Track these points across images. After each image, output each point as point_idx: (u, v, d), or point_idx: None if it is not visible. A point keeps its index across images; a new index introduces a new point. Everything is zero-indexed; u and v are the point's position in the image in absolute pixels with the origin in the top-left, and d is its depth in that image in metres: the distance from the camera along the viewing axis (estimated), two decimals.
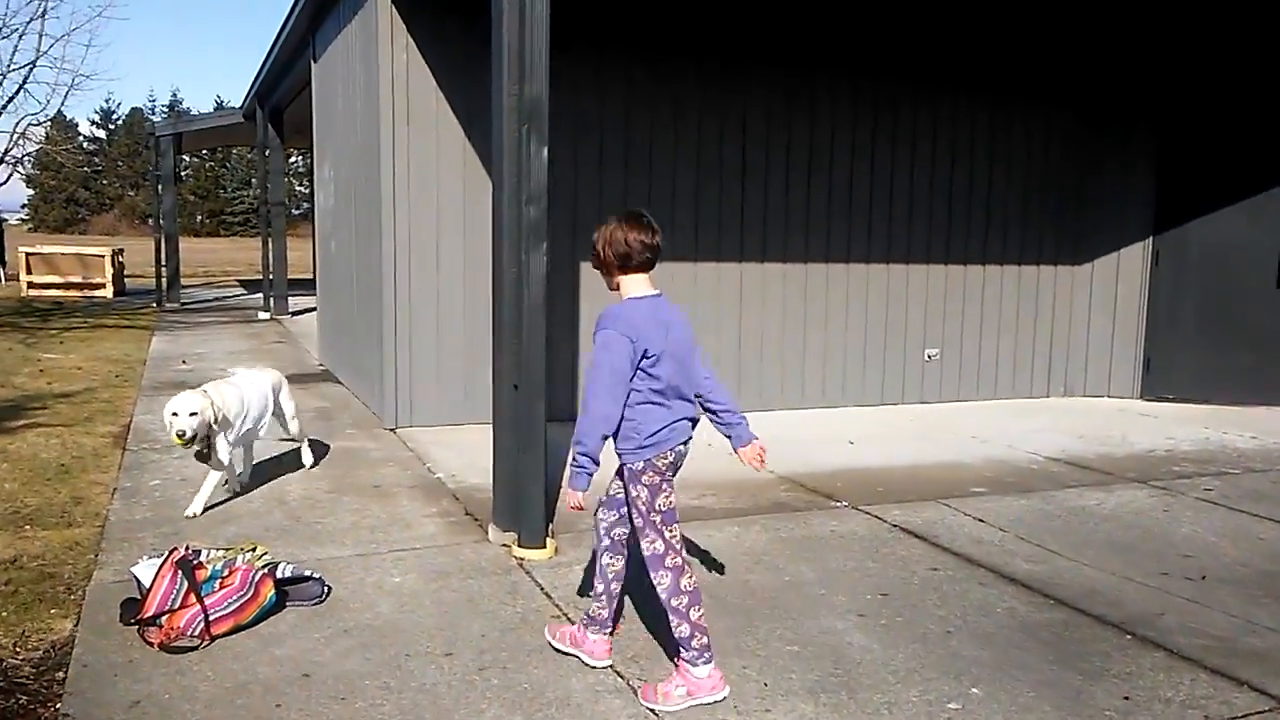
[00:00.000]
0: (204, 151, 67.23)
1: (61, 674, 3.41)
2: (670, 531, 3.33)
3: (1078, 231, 9.41)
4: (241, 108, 17.03)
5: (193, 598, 3.67)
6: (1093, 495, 6.01)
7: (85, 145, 72.07)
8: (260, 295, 18.02)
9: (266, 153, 16.53)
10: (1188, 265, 9.06)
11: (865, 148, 8.64)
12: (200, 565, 3.80)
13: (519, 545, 4.73)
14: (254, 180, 69.05)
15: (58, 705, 3.19)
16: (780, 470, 6.43)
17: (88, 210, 75.63)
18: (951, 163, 8.94)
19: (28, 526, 5.04)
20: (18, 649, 3.60)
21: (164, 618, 3.64)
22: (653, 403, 3.28)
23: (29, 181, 70.16)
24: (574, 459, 3.24)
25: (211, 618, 3.65)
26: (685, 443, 3.39)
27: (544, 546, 4.71)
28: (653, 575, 3.33)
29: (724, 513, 5.48)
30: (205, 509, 5.26)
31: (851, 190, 8.65)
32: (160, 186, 18.53)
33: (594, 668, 3.51)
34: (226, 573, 3.77)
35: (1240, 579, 4.59)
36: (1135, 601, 4.28)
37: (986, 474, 6.49)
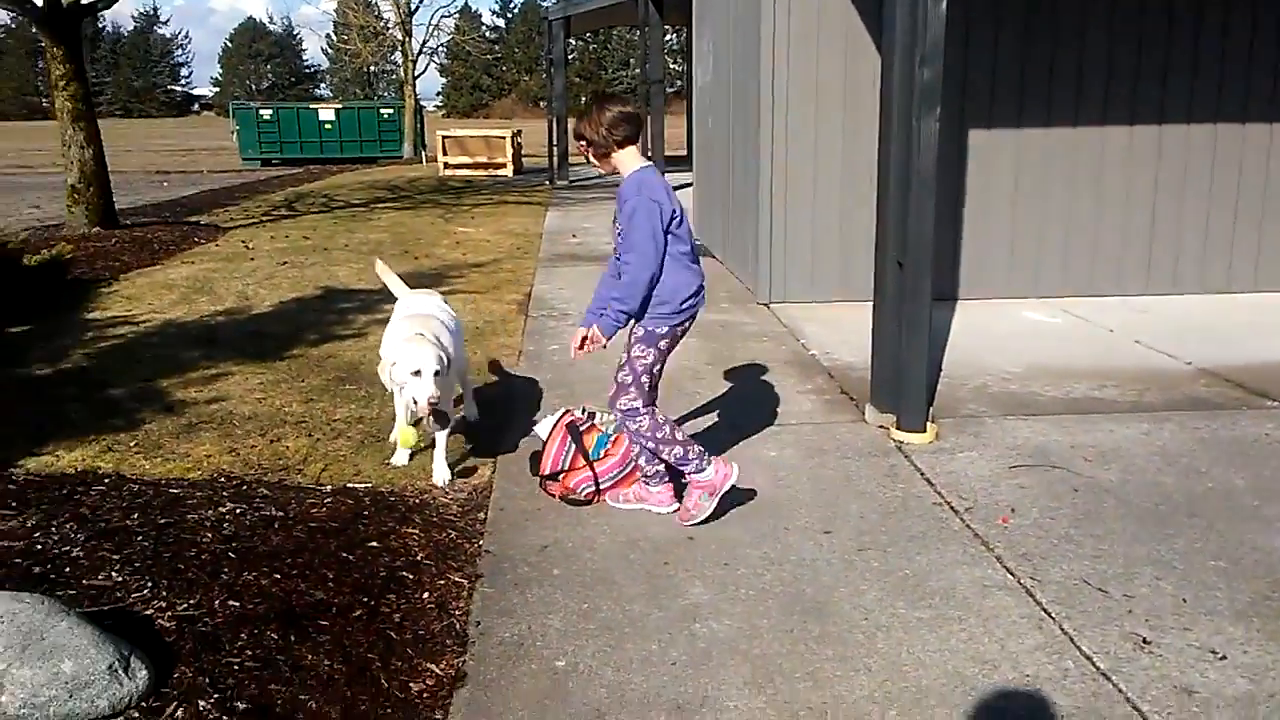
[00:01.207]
0: (588, 35, 70.48)
1: (482, 515, 3.82)
2: (650, 391, 3.62)
3: None
4: None
5: (582, 460, 3.93)
6: None
7: (487, 34, 78.52)
8: None
9: (646, 30, 16.90)
10: None
11: None
12: (591, 428, 4.05)
13: (897, 428, 4.57)
14: (633, 60, 71.78)
15: (480, 542, 3.58)
16: (1199, 362, 5.67)
17: (489, 95, 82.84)
18: None
19: None
20: (447, 489, 4.08)
21: (560, 475, 3.94)
22: (684, 266, 3.49)
23: (442, 70, 78.07)
24: (614, 314, 3.44)
25: (601, 485, 3.89)
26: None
27: (924, 431, 4.52)
28: (630, 424, 3.60)
29: (1129, 406, 4.94)
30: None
31: None
32: (551, 69, 19.67)
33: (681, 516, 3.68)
34: (614, 438, 3.99)
35: None
36: None
37: None
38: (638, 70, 19.29)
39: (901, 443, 4.50)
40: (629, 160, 3.53)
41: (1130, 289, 7.51)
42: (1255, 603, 3.04)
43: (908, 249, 4.40)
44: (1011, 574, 3.26)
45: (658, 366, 3.63)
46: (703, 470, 3.60)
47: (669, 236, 3.44)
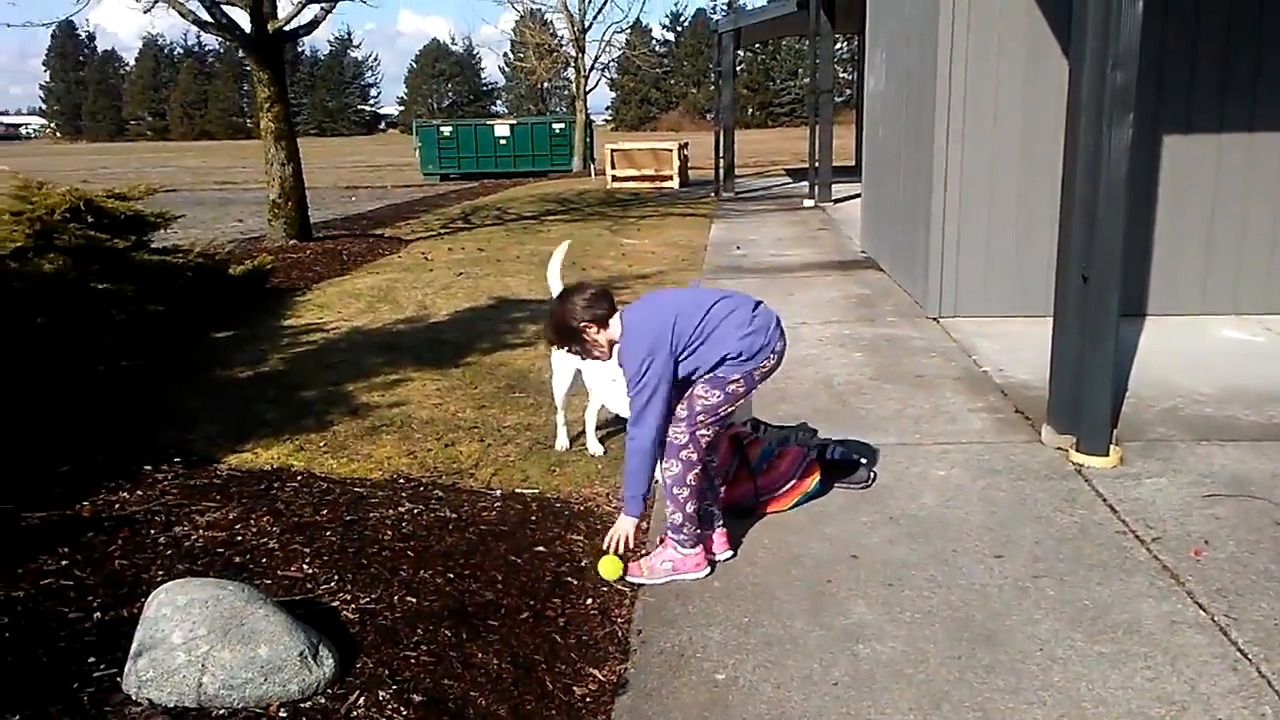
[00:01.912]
0: (756, 46, 70.46)
1: (645, 525, 3.86)
2: (703, 432, 3.34)
3: None
4: None
5: (745, 473, 3.93)
6: None
7: (657, 48, 79.61)
8: (805, 183, 18.59)
9: (817, 40, 16.75)
10: None
11: None
12: (755, 440, 4.04)
13: (1077, 450, 4.35)
14: (801, 70, 71.24)
15: (641, 551, 3.63)
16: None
17: (657, 108, 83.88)
18: None
19: None
20: (610, 497, 4.15)
21: (723, 487, 3.94)
22: (736, 328, 3.29)
23: (612, 85, 79.66)
24: (628, 506, 3.37)
25: (761, 497, 3.87)
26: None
27: (1107, 454, 4.29)
28: (665, 460, 3.38)
29: None
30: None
31: None
32: (720, 82, 19.75)
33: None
34: (779, 452, 3.97)
35: None
36: None
37: None
38: (806, 80, 19.13)
39: (1081, 465, 4.28)
40: (614, 327, 3.32)
41: None
42: None
43: (1093, 261, 4.19)
44: (1204, 610, 3.05)
45: (725, 409, 3.35)
46: (683, 545, 3.41)
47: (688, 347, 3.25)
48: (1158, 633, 2.93)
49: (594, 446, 4.70)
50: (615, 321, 3.33)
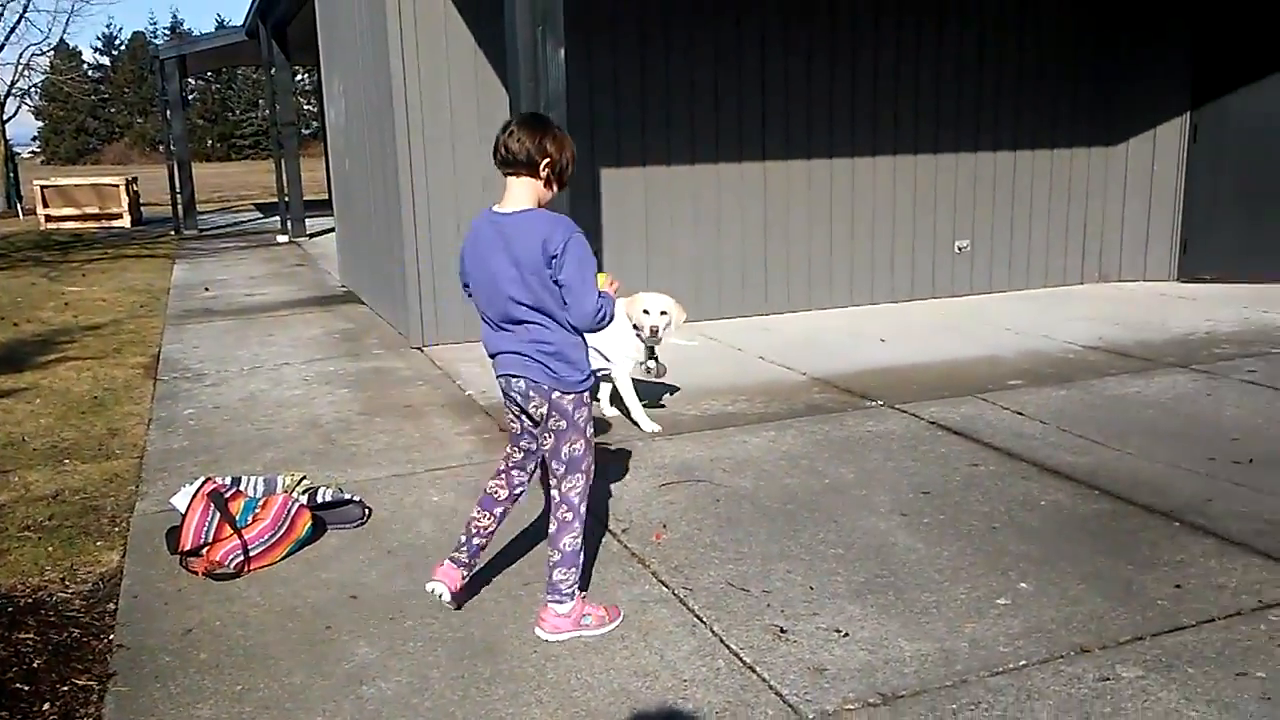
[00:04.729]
0: (209, 74, 66.29)
1: (112, 605, 3.44)
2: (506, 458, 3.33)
3: (1110, 111, 9.07)
4: (244, 25, 16.64)
5: (228, 529, 3.67)
6: (1134, 383, 5.90)
7: (90, 73, 71.24)
8: (276, 218, 17.91)
9: (273, 71, 16.21)
10: (1227, 139, 8.74)
11: (890, 37, 8.31)
12: (236, 495, 3.80)
13: None
14: (261, 101, 68.35)
15: (110, 637, 3.22)
16: (812, 372, 6.35)
17: (98, 140, 75.19)
18: (979, 47, 8.59)
19: (66, 460, 5.07)
20: (67, 583, 3.64)
21: (204, 550, 3.65)
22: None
23: (38, 113, 69.71)
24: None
25: (252, 553, 3.65)
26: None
27: None
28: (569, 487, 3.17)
29: (757, 417, 5.43)
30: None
31: (876, 81, 8.35)
32: (169, 112, 18.26)
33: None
34: (263, 502, 3.77)
35: None
36: (1182, 489, 4.22)
37: (1023, 366, 6.39)
38: (267, 111, 18.43)
39: None
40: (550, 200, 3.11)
41: (751, 310, 8.28)
42: (869, 582, 3.46)
43: None
44: (666, 586, 3.47)
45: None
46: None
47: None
48: (632, 614, 3.27)
49: None
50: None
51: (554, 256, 2.92)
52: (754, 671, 2.89)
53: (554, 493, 3.18)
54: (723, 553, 3.72)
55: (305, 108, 51.92)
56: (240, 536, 3.66)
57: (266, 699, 2.83)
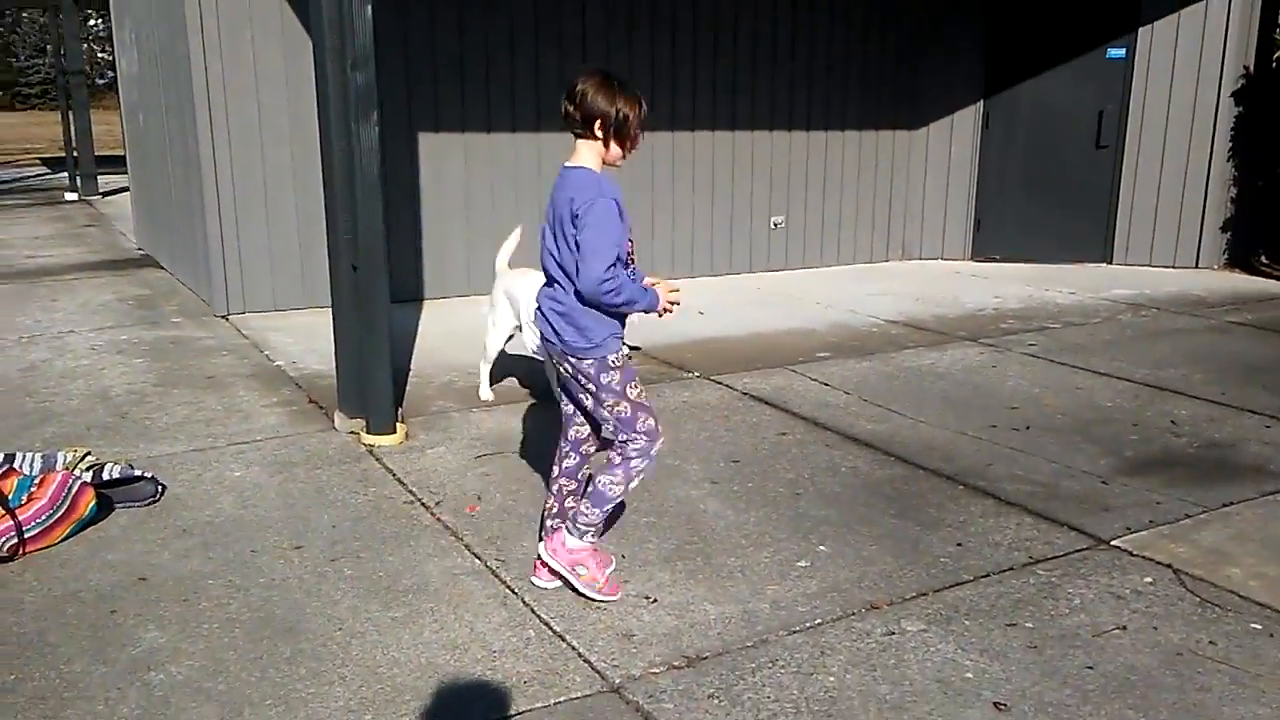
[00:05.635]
0: None
1: None
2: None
3: (914, 97, 9.55)
4: None
5: (2, 510, 3.40)
6: (928, 355, 6.28)
7: None
8: (65, 174, 16.57)
9: (59, 15, 14.91)
10: (1016, 126, 9.37)
11: (709, 9, 8.44)
12: (9, 473, 3.51)
13: (367, 432, 4.58)
14: (49, 48, 62.76)
15: None
16: (630, 343, 6.42)
17: None
18: (793, 27, 8.84)
19: None
20: None
21: None
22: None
23: None
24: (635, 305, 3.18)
25: (26, 534, 3.38)
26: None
27: (394, 432, 4.58)
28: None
29: None
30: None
31: (696, 54, 8.47)
32: None
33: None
34: (40, 480, 3.50)
35: (1060, 427, 4.91)
36: (967, 454, 4.53)
37: (831, 339, 6.67)
38: (55, 59, 16.98)
39: (372, 446, 4.51)
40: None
41: None
42: (678, 548, 3.55)
43: (360, 252, 4.42)
44: (479, 558, 3.45)
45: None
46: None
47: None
48: (443, 587, 3.23)
49: (485, 393, 5.17)
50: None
51: (575, 215, 2.91)
52: (564, 640, 2.92)
53: (615, 445, 3.13)
54: (536, 524, 3.72)
55: (100, 55, 48.21)
56: (14, 517, 3.39)
57: (41, 689, 2.64)
